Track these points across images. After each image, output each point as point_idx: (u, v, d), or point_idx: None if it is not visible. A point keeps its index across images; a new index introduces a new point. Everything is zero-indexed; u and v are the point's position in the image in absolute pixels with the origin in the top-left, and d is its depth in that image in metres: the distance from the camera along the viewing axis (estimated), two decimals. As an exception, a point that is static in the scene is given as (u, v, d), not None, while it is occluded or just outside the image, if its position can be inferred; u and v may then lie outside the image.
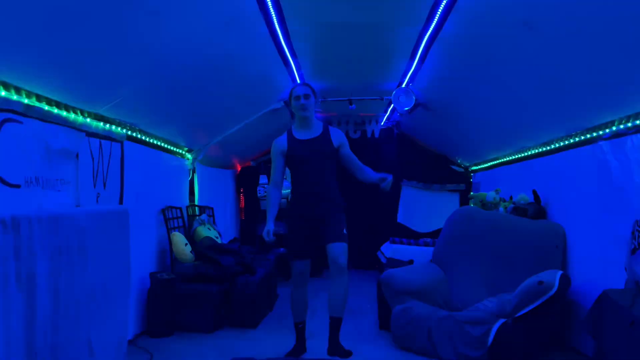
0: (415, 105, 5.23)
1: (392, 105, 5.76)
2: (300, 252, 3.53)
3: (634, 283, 2.90)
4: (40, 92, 2.69)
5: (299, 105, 3.47)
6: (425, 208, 7.14)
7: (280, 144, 3.53)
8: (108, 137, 3.48)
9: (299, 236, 3.51)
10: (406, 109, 5.22)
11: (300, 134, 3.52)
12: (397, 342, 3.83)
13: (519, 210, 4.48)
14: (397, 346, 3.83)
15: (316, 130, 3.54)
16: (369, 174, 3.59)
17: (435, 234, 6.54)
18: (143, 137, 4.11)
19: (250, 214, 7.50)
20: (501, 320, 3.40)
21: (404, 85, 5.12)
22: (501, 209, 4.83)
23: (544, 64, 3.24)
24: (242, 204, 7.63)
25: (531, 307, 3.33)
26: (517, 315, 3.38)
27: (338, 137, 3.57)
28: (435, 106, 5.41)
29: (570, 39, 2.80)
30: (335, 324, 3.41)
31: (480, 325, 3.44)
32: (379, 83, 5.37)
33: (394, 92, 5.20)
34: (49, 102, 2.79)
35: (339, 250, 3.38)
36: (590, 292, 3.39)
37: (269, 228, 3.47)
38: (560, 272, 3.44)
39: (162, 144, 4.55)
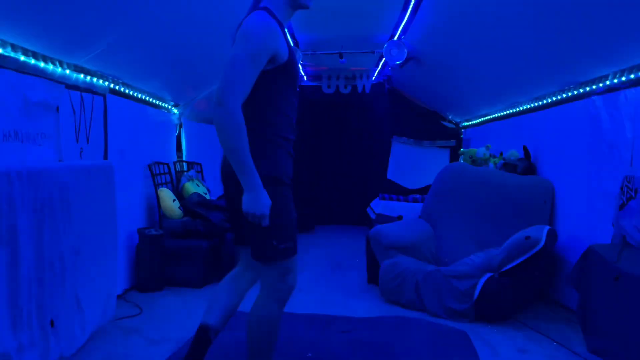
0: (407, 59, 5.12)
1: (383, 59, 5.64)
2: (296, 241, 2.00)
3: (621, 238, 2.92)
4: (15, 42, 2.57)
5: None
6: (415, 164, 7.12)
7: (277, 36, 1.86)
8: (89, 90, 3.37)
9: (292, 215, 1.98)
10: (398, 62, 5.10)
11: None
12: (385, 295, 3.88)
13: (508, 166, 4.47)
14: (385, 300, 3.88)
15: None
16: None
17: (424, 190, 6.56)
18: (127, 91, 3.99)
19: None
20: (487, 275, 3.44)
21: (396, 38, 4.99)
22: (491, 165, 4.82)
23: (539, 17, 3.14)
24: (231, 160, 7.57)
25: (518, 261, 3.36)
26: (503, 269, 3.42)
27: None
28: (427, 60, 5.30)
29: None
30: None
31: (467, 280, 3.48)
32: (371, 35, 5.23)
33: (385, 44, 5.07)
34: (25, 52, 2.67)
35: None
36: (576, 247, 3.43)
37: (267, 202, 1.81)
38: (547, 228, 3.46)
39: (147, 98, 4.43)
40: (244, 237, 2.06)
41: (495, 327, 3.31)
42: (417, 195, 6.32)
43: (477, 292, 3.39)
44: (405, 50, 5.01)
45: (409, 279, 3.73)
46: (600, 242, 3.07)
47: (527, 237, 3.38)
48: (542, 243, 3.31)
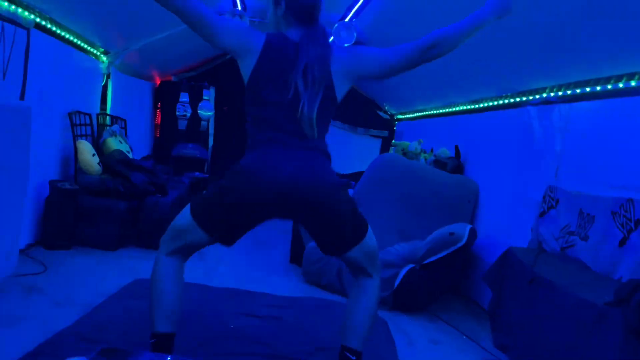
0: (355, 44, 5.07)
1: (331, 39, 5.55)
2: None
3: (537, 244, 3.08)
4: None
5: None
6: (346, 150, 7.14)
7: None
8: (12, 20, 3.01)
9: None
10: (346, 45, 5.04)
11: None
12: (307, 277, 3.86)
13: (439, 163, 4.60)
14: (306, 280, 3.86)
15: None
16: None
17: (353, 176, 6.61)
18: (54, 29, 3.62)
19: (167, 133, 7.11)
20: (410, 265, 3.52)
21: (347, 20, 4.92)
22: (422, 159, 4.93)
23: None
24: (159, 120, 7.19)
25: (440, 255, 3.46)
26: (425, 262, 3.51)
27: None
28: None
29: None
30: None
31: (390, 268, 3.54)
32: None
33: (335, 25, 4.98)
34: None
35: None
36: (492, 248, 3.58)
37: None
38: (469, 226, 3.58)
39: (76, 40, 4.06)
40: (348, 239, 1.93)
41: (411, 316, 3.40)
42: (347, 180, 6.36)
43: (397, 281, 3.46)
44: (355, 34, 4.96)
45: (332, 264, 3.73)
46: (516, 246, 3.24)
47: (451, 233, 3.48)
48: (464, 240, 3.43)
